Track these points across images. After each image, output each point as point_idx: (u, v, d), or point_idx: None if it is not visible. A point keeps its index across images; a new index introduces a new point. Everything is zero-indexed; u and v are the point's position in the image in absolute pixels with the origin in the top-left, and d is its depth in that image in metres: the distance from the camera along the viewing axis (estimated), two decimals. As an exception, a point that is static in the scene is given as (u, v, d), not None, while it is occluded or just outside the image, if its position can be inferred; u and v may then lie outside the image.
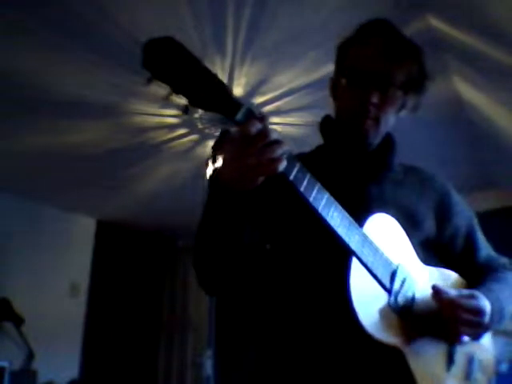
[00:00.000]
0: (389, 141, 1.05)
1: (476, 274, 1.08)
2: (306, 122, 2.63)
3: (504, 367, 3.06)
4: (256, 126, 0.71)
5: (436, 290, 0.91)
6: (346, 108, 1.00)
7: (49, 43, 1.98)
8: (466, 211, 1.13)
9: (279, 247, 0.99)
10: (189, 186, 3.45)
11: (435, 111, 2.53)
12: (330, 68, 2.15)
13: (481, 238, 1.14)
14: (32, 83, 2.24)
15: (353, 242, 0.85)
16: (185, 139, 2.84)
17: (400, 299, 0.91)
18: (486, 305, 0.92)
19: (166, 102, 0.73)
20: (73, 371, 3.70)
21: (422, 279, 0.98)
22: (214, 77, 0.72)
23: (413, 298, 0.94)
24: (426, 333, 0.94)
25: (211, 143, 2.69)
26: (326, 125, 1.08)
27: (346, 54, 1.02)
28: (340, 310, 0.84)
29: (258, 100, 2.46)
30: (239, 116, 0.73)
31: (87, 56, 2.07)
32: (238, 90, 2.37)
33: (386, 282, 0.90)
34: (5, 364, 3.05)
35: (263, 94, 2.41)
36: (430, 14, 1.84)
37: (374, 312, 0.86)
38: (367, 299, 0.86)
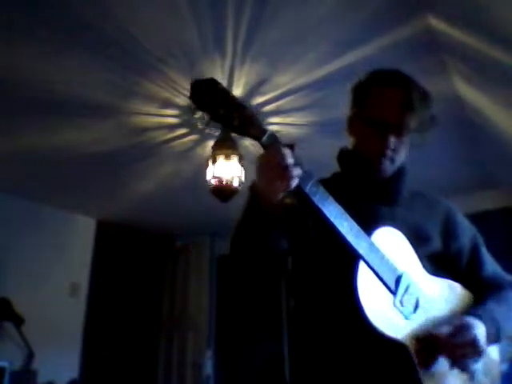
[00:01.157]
0: (401, 172, 1.19)
1: (480, 289, 1.18)
2: (306, 121, 2.62)
3: (504, 367, 3.06)
4: (275, 151, 0.90)
5: (430, 333, 1.01)
6: (366, 149, 1.15)
7: (49, 43, 1.98)
8: (470, 230, 1.25)
9: (300, 255, 1.14)
10: (189, 186, 3.45)
11: (435, 111, 2.53)
12: (329, 68, 2.16)
13: (486, 255, 1.24)
14: (32, 83, 2.24)
15: (360, 247, 0.98)
16: (185, 139, 2.84)
17: (405, 302, 1.03)
18: (478, 333, 1.01)
19: (207, 127, 0.86)
20: (73, 371, 3.70)
21: (427, 287, 1.10)
22: (246, 107, 0.91)
23: (417, 303, 1.05)
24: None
25: (211, 143, 2.69)
26: (343, 156, 1.22)
27: (365, 102, 1.16)
28: (350, 308, 0.95)
29: (258, 100, 2.46)
30: (264, 139, 0.92)
31: (87, 56, 2.07)
32: (238, 90, 2.37)
33: (392, 285, 1.02)
34: (5, 364, 3.05)
35: (263, 94, 2.41)
36: (430, 13, 1.84)
37: (380, 311, 0.97)
38: (374, 299, 0.97)
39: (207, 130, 2.74)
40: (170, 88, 2.33)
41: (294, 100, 2.45)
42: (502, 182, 3.43)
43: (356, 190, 1.15)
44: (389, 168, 1.14)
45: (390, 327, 0.97)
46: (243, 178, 2.58)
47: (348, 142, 1.22)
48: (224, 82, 2.30)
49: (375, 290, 0.99)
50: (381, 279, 1.00)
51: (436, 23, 1.87)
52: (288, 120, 2.64)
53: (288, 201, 0.99)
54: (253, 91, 2.39)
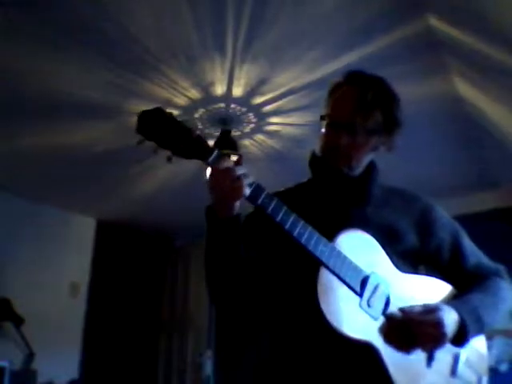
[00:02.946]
0: (370, 170, 1.18)
1: (464, 282, 1.17)
2: (306, 121, 2.63)
3: (504, 367, 3.07)
4: (222, 166, 0.95)
5: (402, 310, 1.02)
6: (322, 147, 1.15)
7: (49, 43, 1.98)
8: (449, 224, 1.22)
9: (266, 263, 1.13)
10: (188, 186, 3.45)
11: (435, 111, 2.53)
12: (329, 68, 2.16)
13: (468, 247, 1.21)
14: (32, 84, 2.24)
15: (319, 252, 0.98)
16: (185, 139, 2.84)
17: (372, 302, 1.02)
18: (445, 316, 0.99)
19: (154, 154, 0.87)
20: (73, 371, 3.70)
21: (400, 286, 1.08)
22: (191, 132, 0.96)
23: (387, 302, 1.04)
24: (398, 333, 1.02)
25: (211, 143, 2.69)
26: (312, 160, 1.22)
27: (327, 102, 1.18)
28: (314, 314, 0.94)
29: (258, 100, 2.46)
30: (210, 159, 0.97)
31: (87, 56, 2.07)
32: (238, 90, 2.37)
33: (356, 287, 1.01)
34: (5, 364, 3.05)
35: (263, 93, 2.41)
36: (430, 13, 1.84)
37: (343, 312, 0.97)
38: (337, 301, 0.98)
39: (207, 130, 2.74)
40: (169, 88, 2.33)
41: (294, 100, 2.45)
42: (501, 182, 3.43)
43: (326, 194, 1.15)
44: (346, 165, 1.12)
45: (357, 329, 0.96)
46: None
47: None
48: (224, 82, 2.30)
49: (340, 293, 0.99)
50: (344, 282, 1.00)
51: (436, 23, 1.87)
52: (288, 120, 2.64)
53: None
54: (253, 91, 2.39)
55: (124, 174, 3.31)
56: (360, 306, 1.00)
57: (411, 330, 0.98)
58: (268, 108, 2.54)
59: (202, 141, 0.97)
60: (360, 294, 1.01)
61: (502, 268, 1.22)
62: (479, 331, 1.08)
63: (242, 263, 1.04)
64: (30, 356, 3.29)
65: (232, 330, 4.40)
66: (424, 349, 1.00)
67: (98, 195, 3.72)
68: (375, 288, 1.03)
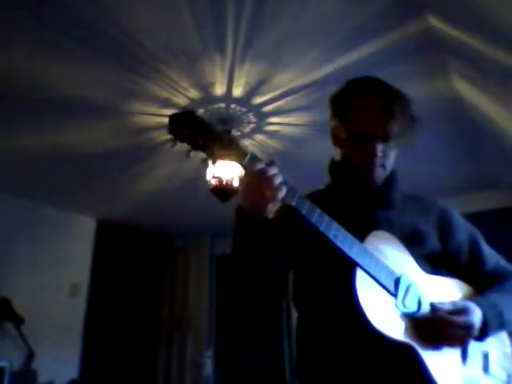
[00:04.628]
0: (392, 178, 1.22)
1: (483, 283, 1.20)
2: (305, 121, 2.63)
3: None
4: (257, 167, 0.94)
5: (432, 306, 1.06)
6: (356, 160, 1.17)
7: (49, 43, 1.98)
8: (467, 228, 1.26)
9: (299, 266, 1.16)
10: (188, 186, 3.45)
11: (435, 111, 2.53)
12: (330, 68, 2.16)
13: (486, 250, 1.25)
14: (32, 83, 2.24)
15: (354, 254, 1.00)
16: (185, 139, 2.84)
17: (407, 303, 1.04)
18: (475, 318, 1.04)
19: (187, 157, 0.87)
20: (73, 371, 3.70)
21: (428, 286, 1.11)
22: (224, 135, 0.97)
23: (419, 302, 1.06)
24: (432, 333, 1.04)
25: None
26: (334, 168, 1.25)
27: (346, 115, 1.18)
28: (352, 314, 0.95)
29: (258, 100, 2.46)
30: (245, 161, 0.95)
31: (87, 56, 2.07)
32: (237, 90, 2.37)
33: (391, 288, 1.03)
34: (5, 364, 3.05)
35: (263, 93, 2.41)
36: (430, 13, 1.84)
37: (382, 313, 0.98)
38: (374, 302, 0.99)
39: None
40: (170, 88, 2.33)
41: (294, 100, 2.45)
42: (501, 182, 3.43)
43: (350, 199, 1.18)
44: (381, 175, 1.17)
45: (397, 330, 0.98)
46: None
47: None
48: (224, 82, 2.30)
49: (376, 294, 1.00)
50: (379, 283, 1.02)
51: (436, 23, 1.87)
52: (288, 120, 2.64)
53: (279, 213, 1.03)
54: (253, 91, 2.39)
55: (124, 174, 3.31)
56: (396, 306, 1.02)
57: (438, 329, 1.01)
58: (268, 108, 2.54)
59: (237, 143, 0.97)
60: (395, 295, 1.03)
61: None
62: (500, 327, 1.11)
63: (270, 269, 1.02)
64: (29, 356, 3.29)
65: (232, 329, 4.40)
66: (451, 347, 1.04)
67: (97, 195, 3.72)
68: (407, 289, 1.05)
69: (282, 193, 0.94)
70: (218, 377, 4.28)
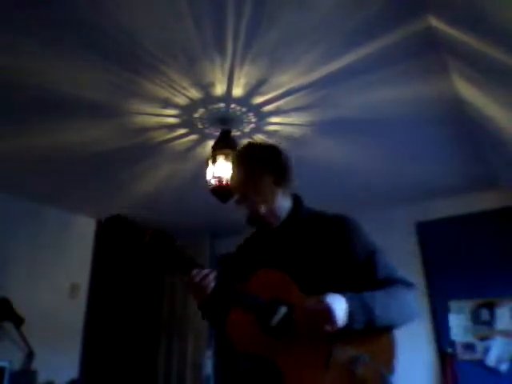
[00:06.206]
0: (291, 215, 1.46)
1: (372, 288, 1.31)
2: (305, 121, 2.62)
3: (504, 367, 3.07)
4: (193, 273, 1.35)
5: (289, 307, 1.28)
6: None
7: (49, 43, 1.98)
8: (366, 244, 1.37)
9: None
10: (188, 186, 3.45)
11: (435, 111, 2.54)
12: (329, 68, 2.16)
13: (381, 261, 1.35)
14: (32, 83, 2.24)
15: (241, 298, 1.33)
16: (185, 139, 2.84)
17: (274, 324, 1.27)
18: (333, 302, 1.16)
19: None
20: (73, 371, 3.70)
21: (302, 308, 1.25)
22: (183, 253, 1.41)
23: (290, 322, 1.26)
24: (303, 344, 1.23)
25: (211, 143, 2.69)
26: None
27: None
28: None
29: (258, 100, 2.46)
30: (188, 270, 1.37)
31: (87, 56, 2.07)
32: (237, 90, 2.37)
33: (258, 313, 1.29)
34: (5, 364, 3.06)
35: (263, 93, 2.41)
36: (430, 13, 1.85)
37: (246, 335, 1.29)
38: (242, 327, 1.30)
39: (207, 130, 2.74)
40: (170, 88, 2.33)
41: (294, 100, 2.45)
42: (501, 182, 3.43)
43: (257, 244, 1.51)
44: (261, 214, 1.44)
45: (263, 349, 1.25)
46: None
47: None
48: (224, 82, 2.30)
49: (246, 322, 1.29)
50: (252, 311, 1.29)
51: (436, 23, 1.87)
52: (288, 120, 2.64)
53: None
54: (253, 91, 2.39)
55: (124, 173, 3.31)
56: (264, 330, 1.27)
57: (297, 319, 1.23)
58: (268, 108, 2.54)
59: (190, 259, 1.39)
60: (263, 320, 1.28)
61: (413, 283, 1.34)
62: (368, 317, 1.19)
63: (218, 319, 1.46)
64: (29, 356, 3.30)
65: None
66: (325, 330, 1.17)
67: (98, 195, 3.72)
68: (275, 312, 1.27)
69: (211, 287, 1.34)
70: (218, 377, 4.28)
